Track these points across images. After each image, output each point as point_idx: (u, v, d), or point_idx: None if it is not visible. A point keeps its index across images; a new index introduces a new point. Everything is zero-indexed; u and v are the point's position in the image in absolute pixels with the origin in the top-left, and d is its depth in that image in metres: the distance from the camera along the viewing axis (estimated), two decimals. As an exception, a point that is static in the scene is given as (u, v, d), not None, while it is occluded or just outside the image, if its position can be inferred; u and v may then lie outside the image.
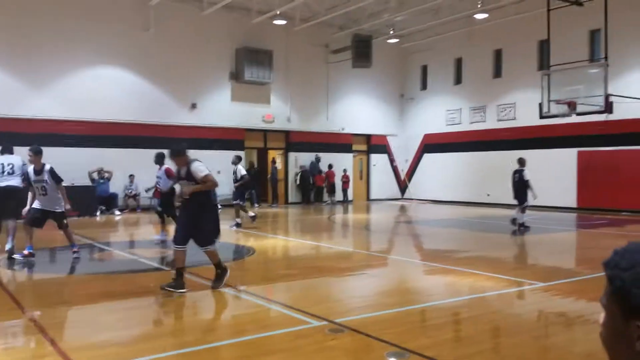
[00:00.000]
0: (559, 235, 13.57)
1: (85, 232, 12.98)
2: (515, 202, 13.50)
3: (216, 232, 7.05)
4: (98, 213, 16.96)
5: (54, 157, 17.01)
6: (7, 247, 8.85)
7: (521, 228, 13.22)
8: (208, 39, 20.48)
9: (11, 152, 9.92)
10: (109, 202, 17.75)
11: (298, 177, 22.91)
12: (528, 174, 13.24)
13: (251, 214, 14.71)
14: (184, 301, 6.45)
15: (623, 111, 16.24)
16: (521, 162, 13.47)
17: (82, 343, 4.75)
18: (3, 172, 9.27)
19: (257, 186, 21.57)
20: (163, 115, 19.58)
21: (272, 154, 23.68)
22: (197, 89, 20.40)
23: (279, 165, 23.30)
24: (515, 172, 13.46)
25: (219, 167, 20.58)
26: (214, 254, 6.91)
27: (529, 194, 13.17)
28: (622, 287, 0.99)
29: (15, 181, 9.30)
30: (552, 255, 10.16)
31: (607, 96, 14.36)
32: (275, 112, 22.37)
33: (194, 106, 20.27)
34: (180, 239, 6.75)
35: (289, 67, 22.43)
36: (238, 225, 13.78)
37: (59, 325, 5.41)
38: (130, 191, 18.64)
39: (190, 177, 6.70)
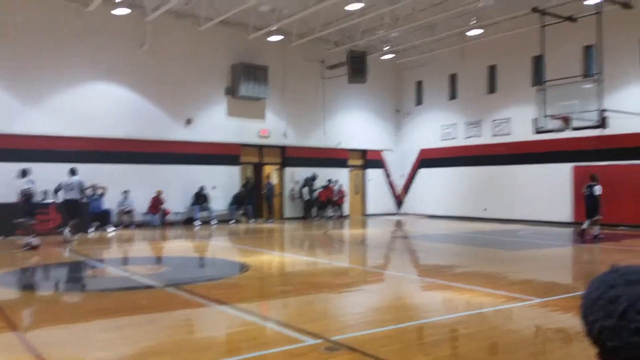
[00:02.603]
0: (556, 250, 13.53)
1: (78, 249, 12.86)
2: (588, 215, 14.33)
3: None
4: (91, 229, 16.83)
5: (49, 173, 17.01)
6: None
7: (595, 239, 13.97)
8: (204, 54, 20.55)
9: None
10: (103, 218, 17.63)
11: (304, 191, 22.81)
12: (598, 190, 13.95)
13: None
14: (178, 319, 6.37)
15: (618, 126, 16.31)
16: (593, 177, 14.24)
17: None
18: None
19: (252, 201, 21.52)
20: (158, 130, 19.57)
21: (267, 169, 23.65)
22: (192, 105, 20.42)
23: (275, 180, 23.26)
24: (588, 186, 14.23)
25: (214, 183, 20.60)
26: None
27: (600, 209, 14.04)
28: (594, 336, 1.01)
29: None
30: (549, 270, 10.11)
31: (601, 111, 14.42)
32: (271, 127, 22.39)
33: (189, 121, 20.26)
34: None
35: (285, 83, 22.50)
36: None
37: (50, 344, 5.31)
38: (124, 207, 18.54)
39: None
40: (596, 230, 14.20)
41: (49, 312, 6.75)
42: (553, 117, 15.39)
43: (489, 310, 6.61)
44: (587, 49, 18.37)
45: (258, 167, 23.59)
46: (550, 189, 19.73)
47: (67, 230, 13.97)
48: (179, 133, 20.06)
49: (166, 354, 4.95)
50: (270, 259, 11.78)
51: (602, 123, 14.50)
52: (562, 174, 19.42)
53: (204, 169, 20.52)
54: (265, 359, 4.66)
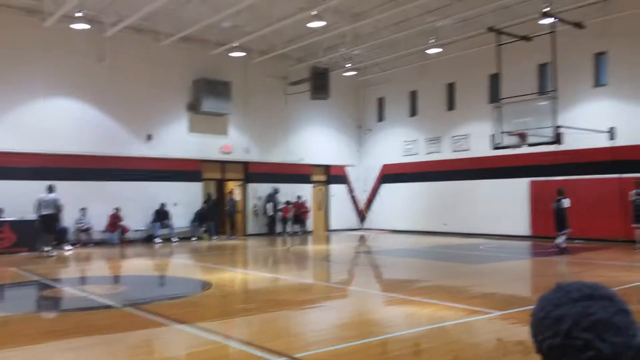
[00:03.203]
0: (514, 263, 13.83)
1: (33, 268, 12.44)
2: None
3: None
4: (47, 248, 16.30)
5: (5, 190, 16.47)
6: None
7: (563, 251, 14.58)
8: (165, 70, 20.34)
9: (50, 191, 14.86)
10: (59, 236, 17.08)
11: (267, 207, 22.72)
12: (567, 203, 14.70)
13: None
14: (138, 339, 6.21)
15: (573, 141, 16.86)
16: (560, 192, 14.94)
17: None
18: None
19: (215, 218, 21.28)
20: (118, 147, 19.20)
21: (230, 185, 23.47)
22: (153, 120, 20.14)
23: (237, 196, 23.09)
24: (557, 200, 14.83)
25: (175, 199, 20.29)
26: None
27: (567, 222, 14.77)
28: (544, 354, 1.05)
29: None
30: (508, 283, 10.31)
31: (556, 127, 14.91)
32: (234, 143, 22.26)
33: (150, 137, 19.96)
34: None
35: (248, 98, 22.46)
36: None
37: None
38: (82, 225, 18.05)
39: None
40: (562, 242, 14.80)
41: (3, 334, 6.49)
42: (510, 133, 15.82)
43: (451, 324, 6.69)
44: (542, 67, 18.99)
45: (220, 183, 23.39)
46: (508, 203, 20.19)
47: (47, 248, 14.78)
48: (139, 149, 19.74)
49: (125, 376, 4.82)
50: (232, 276, 11.64)
51: (557, 139, 14.99)
52: (519, 188, 19.92)
53: (164, 185, 20.20)
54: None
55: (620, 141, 17.22)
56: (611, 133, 17.33)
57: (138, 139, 19.75)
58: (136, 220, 19.26)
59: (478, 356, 5.48)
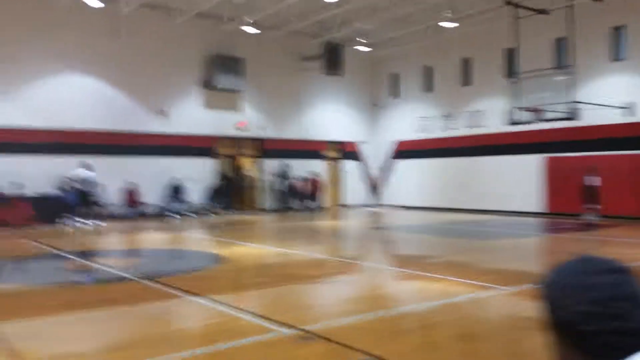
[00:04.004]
0: (527, 240, 13.80)
1: (52, 242, 12.69)
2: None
3: None
4: (66, 222, 16.60)
5: (22, 165, 16.74)
6: None
7: (590, 226, 15.11)
8: (179, 46, 20.33)
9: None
10: (92, 211, 17.37)
11: (281, 183, 22.82)
12: (597, 180, 15.36)
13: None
14: (153, 311, 6.35)
15: (589, 118, 16.65)
16: (592, 169, 15.62)
17: (47, 354, 4.63)
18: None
19: (230, 194, 21.43)
20: (133, 122, 19.34)
21: (245, 161, 23.57)
22: (167, 97, 20.22)
23: (253, 172, 23.20)
24: (587, 177, 15.50)
25: (190, 175, 20.45)
26: None
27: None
28: (565, 321, 1.03)
29: None
30: (520, 259, 10.31)
31: (573, 103, 14.71)
32: (248, 119, 22.29)
33: (164, 114, 20.06)
34: None
35: (262, 75, 22.39)
36: None
37: (22, 337, 5.26)
38: (99, 200, 18.29)
39: None
40: (591, 217, 15.40)
41: (20, 305, 6.67)
42: (527, 109, 15.64)
43: (461, 299, 6.73)
44: (559, 41, 18.64)
45: (235, 160, 23.49)
46: (522, 180, 20.05)
47: (79, 220, 15.96)
48: (153, 125, 19.86)
49: (140, 346, 4.95)
50: (246, 251, 11.78)
51: (573, 115, 14.80)
52: (535, 165, 19.75)
53: (179, 161, 20.36)
54: (240, 350, 4.70)
55: (639, 117, 16.94)
56: (630, 109, 17.05)
57: (152, 115, 19.87)
58: (152, 196, 19.48)
59: (488, 332, 5.53)
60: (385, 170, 25.88)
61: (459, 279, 7.83)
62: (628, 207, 17.06)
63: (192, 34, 20.48)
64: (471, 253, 11.37)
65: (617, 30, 17.82)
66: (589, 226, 15.03)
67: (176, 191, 19.82)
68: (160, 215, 19.57)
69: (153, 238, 14.49)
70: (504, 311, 6.40)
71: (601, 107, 16.39)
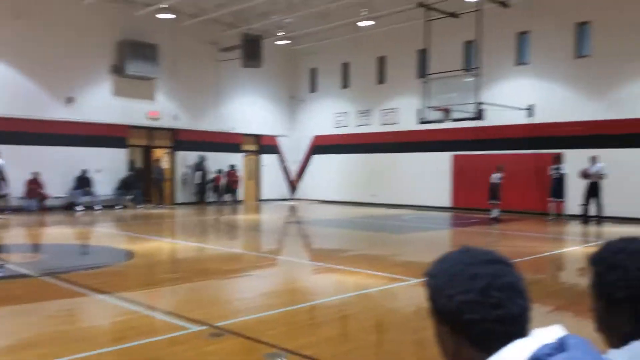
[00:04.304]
0: (435, 233, 14.41)
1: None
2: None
3: None
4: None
5: None
6: None
7: (494, 220, 16.03)
8: (88, 29, 19.28)
9: None
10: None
11: (196, 175, 22.31)
12: (496, 178, 16.14)
13: None
14: (56, 309, 6.03)
15: (494, 118, 17.60)
16: (499, 168, 16.39)
17: None
18: None
19: (141, 186, 20.70)
20: (37, 109, 18.17)
21: (158, 152, 22.84)
22: (76, 83, 19.16)
23: (165, 164, 22.54)
24: (494, 174, 16.20)
25: (99, 166, 19.53)
26: None
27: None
28: (451, 310, 1.09)
29: None
30: (430, 252, 10.73)
31: (478, 104, 15.51)
32: (162, 108, 21.59)
33: (70, 100, 19.01)
34: None
35: (177, 63, 21.75)
36: None
37: None
38: (-3, 191, 17.08)
39: None
40: (495, 212, 16.13)
41: None
42: (437, 108, 16.30)
43: (373, 291, 6.92)
44: (468, 44, 19.53)
45: (147, 150, 22.71)
46: (433, 176, 20.88)
47: None
48: (59, 112, 18.77)
49: (45, 345, 4.69)
50: (158, 245, 11.44)
51: (478, 115, 15.60)
52: (443, 162, 20.62)
53: (87, 151, 19.39)
54: (147, 348, 4.56)
55: (539, 118, 18.12)
56: (530, 110, 18.19)
57: (58, 102, 18.77)
58: (56, 187, 18.44)
59: (397, 321, 5.73)
60: (303, 164, 26.04)
61: (373, 272, 8.04)
62: (529, 202, 18.24)
63: (103, 17, 19.52)
64: (385, 246, 11.71)
65: (522, 36, 18.93)
66: (493, 220, 15.91)
67: (83, 182, 18.89)
68: (66, 207, 18.57)
69: (59, 232, 13.72)
70: (413, 302, 6.65)
71: (505, 108, 17.38)
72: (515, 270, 1.11)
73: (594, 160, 15.34)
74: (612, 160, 15.73)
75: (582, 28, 17.62)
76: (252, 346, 4.61)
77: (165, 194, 22.06)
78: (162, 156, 22.73)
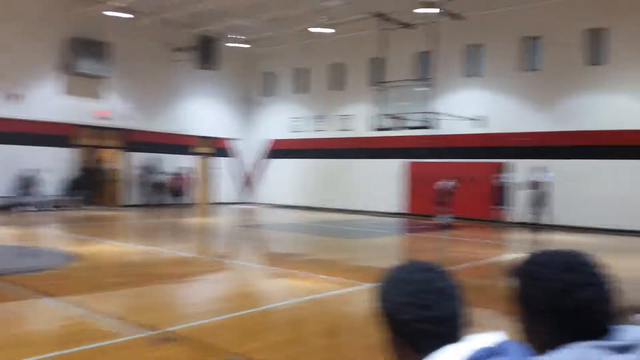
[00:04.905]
0: (390, 239, 14.57)
1: None
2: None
3: None
4: None
5: None
6: None
7: (445, 227, 16.31)
8: (37, 26, 18.59)
9: None
10: None
11: (147, 178, 21.80)
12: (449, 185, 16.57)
13: None
14: (0, 312, 5.76)
15: (446, 127, 17.96)
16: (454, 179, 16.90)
17: None
18: None
19: (90, 187, 20.08)
20: (-21, 105, 17.40)
21: (108, 152, 22.21)
22: (21, 80, 18.43)
23: (116, 165, 21.94)
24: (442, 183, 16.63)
25: (45, 165, 18.83)
26: None
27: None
28: (388, 312, 1.24)
29: None
30: (383, 257, 10.84)
31: (429, 113, 15.86)
32: (114, 108, 21.01)
33: (14, 97, 18.27)
34: None
35: (130, 62, 21.24)
36: None
37: None
38: None
39: None
40: (446, 219, 16.59)
41: None
42: (392, 116, 16.55)
43: (327, 296, 6.91)
44: (422, 54, 19.89)
45: (97, 151, 22.07)
46: (387, 183, 21.12)
47: None
48: (2, 109, 18.02)
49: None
50: (107, 248, 11.11)
51: (430, 124, 15.94)
52: (396, 169, 20.90)
53: (33, 150, 18.67)
54: (90, 354, 4.41)
55: (490, 128, 18.61)
56: (480, 121, 18.67)
57: (4, 100, 18.02)
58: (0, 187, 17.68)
59: (348, 325, 5.74)
60: (259, 168, 25.88)
61: (326, 276, 8.04)
62: (478, 210, 18.68)
63: (51, 12, 18.89)
64: (339, 251, 11.74)
65: (475, 48, 19.42)
66: (444, 227, 16.22)
67: (28, 182, 18.17)
68: (7, 208, 17.82)
69: (1, 233, 13.14)
70: (364, 306, 6.67)
71: (455, 118, 17.77)
72: (448, 277, 1.25)
73: (544, 170, 15.88)
74: (560, 171, 16.31)
75: (532, 42, 18.23)
76: (202, 351, 4.52)
77: (115, 195, 21.48)
78: (112, 156, 22.13)
